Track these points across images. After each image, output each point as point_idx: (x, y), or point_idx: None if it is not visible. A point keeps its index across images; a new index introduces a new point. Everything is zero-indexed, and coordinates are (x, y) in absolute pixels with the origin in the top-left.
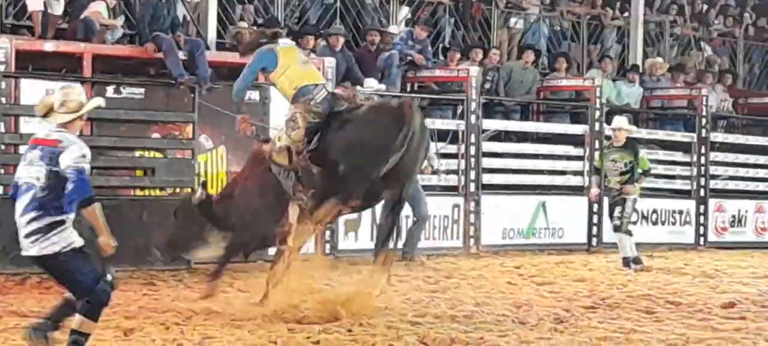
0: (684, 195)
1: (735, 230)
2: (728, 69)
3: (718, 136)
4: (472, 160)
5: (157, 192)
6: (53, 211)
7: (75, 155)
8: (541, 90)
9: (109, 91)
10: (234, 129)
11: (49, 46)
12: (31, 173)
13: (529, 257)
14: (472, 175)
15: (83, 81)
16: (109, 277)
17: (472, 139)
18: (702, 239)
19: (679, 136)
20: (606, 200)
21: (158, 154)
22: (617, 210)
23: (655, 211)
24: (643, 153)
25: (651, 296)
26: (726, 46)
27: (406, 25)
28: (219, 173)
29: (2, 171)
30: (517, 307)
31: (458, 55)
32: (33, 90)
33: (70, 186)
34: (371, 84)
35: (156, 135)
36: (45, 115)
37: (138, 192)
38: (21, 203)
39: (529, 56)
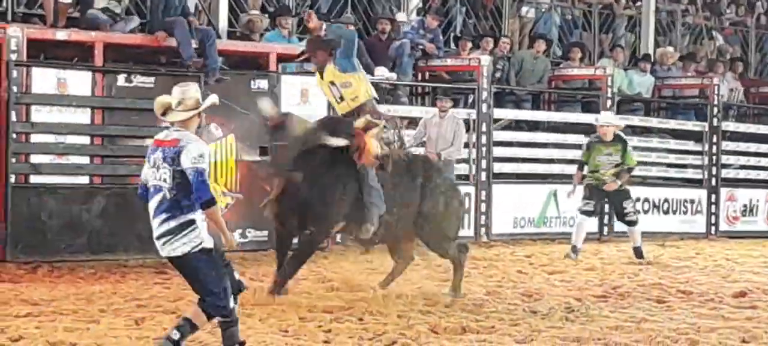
0: (695, 184)
1: (746, 220)
2: (740, 58)
3: (730, 126)
4: (483, 149)
5: None
6: (183, 211)
7: (193, 155)
8: (553, 79)
9: (120, 79)
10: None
11: (61, 34)
12: (157, 175)
13: (540, 246)
14: (484, 164)
15: (94, 70)
16: (232, 303)
17: (483, 128)
18: (713, 228)
19: (691, 125)
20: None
21: None
22: (629, 205)
23: (666, 200)
24: (631, 148)
25: (662, 285)
26: (737, 35)
27: (418, 14)
28: (228, 161)
29: (14, 160)
30: (528, 296)
31: (470, 45)
32: (44, 79)
33: (191, 187)
34: (382, 72)
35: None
36: (163, 114)
37: None
38: (152, 205)
39: (541, 46)
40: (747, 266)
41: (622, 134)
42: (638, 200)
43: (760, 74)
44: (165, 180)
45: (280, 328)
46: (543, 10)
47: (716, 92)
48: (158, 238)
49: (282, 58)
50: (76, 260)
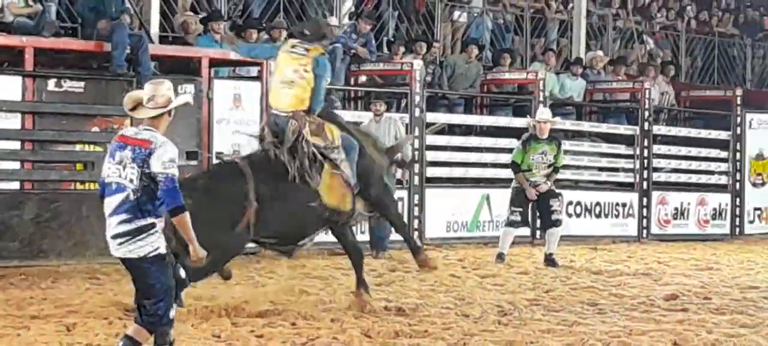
0: (627, 188)
1: (678, 223)
2: (670, 61)
3: (661, 129)
4: (416, 153)
5: (97, 186)
6: (144, 214)
7: (164, 159)
8: (485, 83)
9: (50, 84)
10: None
11: None
12: (123, 174)
13: (473, 249)
14: (416, 168)
15: (24, 75)
16: (173, 312)
17: (416, 132)
18: (645, 231)
19: (622, 128)
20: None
21: (99, 148)
22: (556, 203)
23: (598, 203)
24: (563, 149)
25: (594, 289)
26: (668, 39)
27: (350, 18)
28: None
29: None
30: (461, 299)
31: (402, 49)
32: None
33: (160, 192)
34: None
35: (96, 129)
36: (133, 109)
37: (78, 186)
38: (111, 203)
39: (473, 51)
40: (678, 269)
41: (556, 135)
42: (570, 203)
43: (691, 78)
44: (131, 180)
45: (213, 333)
46: (475, 14)
47: (647, 96)
48: (114, 237)
49: (214, 63)
50: (7, 266)
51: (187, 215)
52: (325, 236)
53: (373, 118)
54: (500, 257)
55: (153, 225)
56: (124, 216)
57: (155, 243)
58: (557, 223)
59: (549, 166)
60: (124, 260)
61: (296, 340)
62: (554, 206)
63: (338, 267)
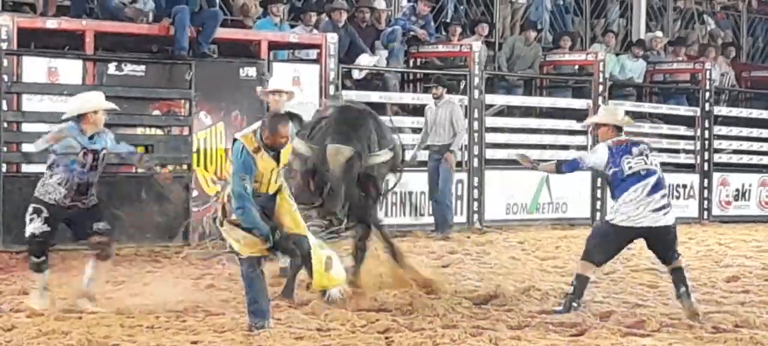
0: (688, 169)
1: (739, 204)
2: (731, 42)
3: (722, 110)
4: (476, 135)
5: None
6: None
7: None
8: (544, 65)
9: (111, 68)
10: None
11: (51, 23)
12: (647, 162)
13: (532, 232)
14: (476, 150)
15: (85, 58)
16: None
17: (476, 114)
18: (706, 213)
19: (683, 110)
20: None
21: (158, 131)
22: None
23: None
24: None
25: (655, 271)
26: (729, 19)
27: (409, 0)
28: (217, 149)
29: (5, 149)
30: (521, 282)
31: (459, 30)
32: (35, 68)
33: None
34: (363, 61)
35: (156, 112)
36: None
37: (137, 169)
38: (648, 183)
39: (531, 34)
40: (740, 250)
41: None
42: None
43: (752, 58)
44: (656, 166)
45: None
46: None
47: (708, 77)
48: (658, 209)
49: (273, 46)
50: (65, 249)
51: None
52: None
53: (434, 102)
54: None
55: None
56: (661, 192)
57: None
58: None
59: None
60: (660, 229)
61: (356, 322)
62: None
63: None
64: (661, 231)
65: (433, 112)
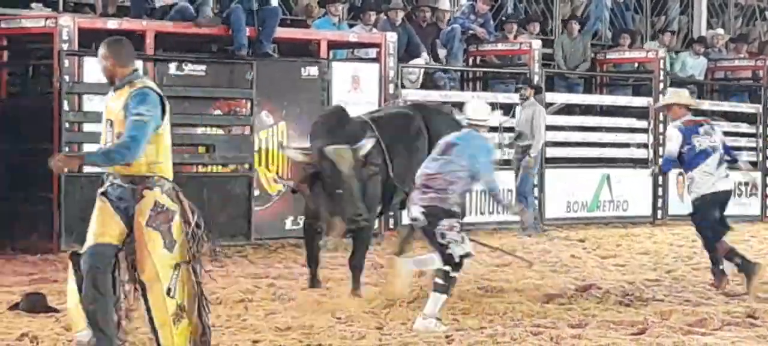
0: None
1: None
2: None
3: None
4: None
5: (218, 169)
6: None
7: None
8: (603, 63)
9: (172, 68)
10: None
11: (112, 23)
12: (711, 140)
13: (593, 230)
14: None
15: (145, 59)
16: None
17: None
18: None
19: (744, 107)
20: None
21: (220, 131)
22: None
23: None
24: None
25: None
26: None
27: None
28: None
29: (67, 149)
30: (582, 280)
31: (515, 27)
32: (96, 68)
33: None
34: (420, 62)
35: (217, 112)
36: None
37: (199, 169)
38: (714, 160)
39: (574, 26)
40: None
41: None
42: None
43: None
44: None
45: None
46: None
47: None
48: (724, 177)
49: (332, 45)
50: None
51: None
52: None
53: (521, 102)
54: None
55: None
56: (725, 166)
57: None
58: None
59: None
60: (722, 193)
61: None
62: None
63: None
64: (728, 194)
65: (519, 113)
